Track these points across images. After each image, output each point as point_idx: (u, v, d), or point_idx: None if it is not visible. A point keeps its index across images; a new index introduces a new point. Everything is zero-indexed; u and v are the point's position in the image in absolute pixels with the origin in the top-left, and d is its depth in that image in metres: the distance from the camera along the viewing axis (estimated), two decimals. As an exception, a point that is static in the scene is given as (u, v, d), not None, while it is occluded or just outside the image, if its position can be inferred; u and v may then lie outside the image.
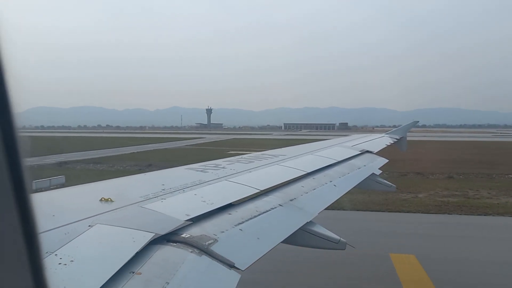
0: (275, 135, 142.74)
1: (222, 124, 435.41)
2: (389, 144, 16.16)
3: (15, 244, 1.09)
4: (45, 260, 2.05)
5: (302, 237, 4.21)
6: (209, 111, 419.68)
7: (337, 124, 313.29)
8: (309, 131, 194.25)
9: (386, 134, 19.38)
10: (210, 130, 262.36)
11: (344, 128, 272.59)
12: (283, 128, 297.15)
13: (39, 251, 1.16)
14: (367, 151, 11.05)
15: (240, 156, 7.55)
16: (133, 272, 2.29)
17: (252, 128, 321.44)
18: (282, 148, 9.95)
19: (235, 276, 2.67)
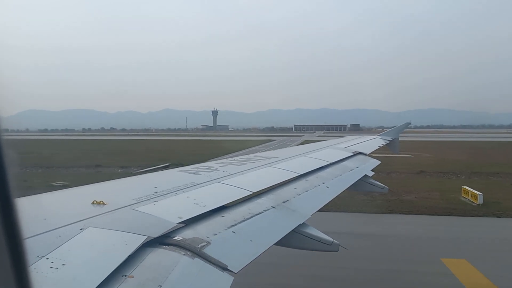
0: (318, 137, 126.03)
1: (228, 126, 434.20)
2: (382, 145, 16.26)
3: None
4: (32, 266, 2.03)
5: (295, 239, 4.22)
6: (215, 113, 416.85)
7: (349, 126, 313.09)
8: (324, 133, 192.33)
9: (379, 135, 19.49)
10: (216, 132, 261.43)
11: (356, 129, 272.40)
12: (293, 129, 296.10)
13: (24, 257, 1.14)
14: (360, 153, 11.11)
15: (233, 158, 7.55)
16: (125, 276, 2.28)
17: (262, 130, 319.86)
18: (275, 150, 9.97)
19: (228, 279, 2.67)
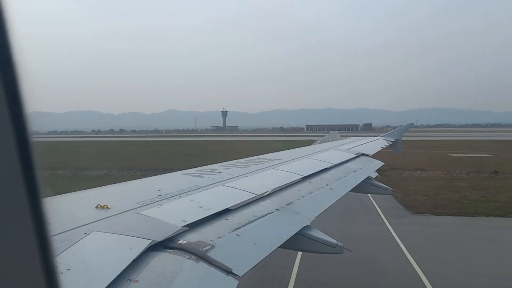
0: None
1: (238, 126, 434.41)
2: (385, 146, 16.22)
3: (29, 248, 1.11)
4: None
5: (299, 241, 4.21)
6: (224, 114, 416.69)
7: (361, 125, 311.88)
8: (339, 132, 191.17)
9: (382, 136, 19.44)
10: (229, 133, 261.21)
11: (368, 129, 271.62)
12: (305, 129, 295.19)
13: (52, 254, 1.18)
14: (363, 154, 11.08)
15: (236, 160, 7.54)
16: (130, 280, 2.27)
17: (273, 130, 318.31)
18: (278, 152, 9.95)
19: (232, 282, 2.66)
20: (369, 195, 28.61)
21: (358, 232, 18.82)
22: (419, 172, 41.51)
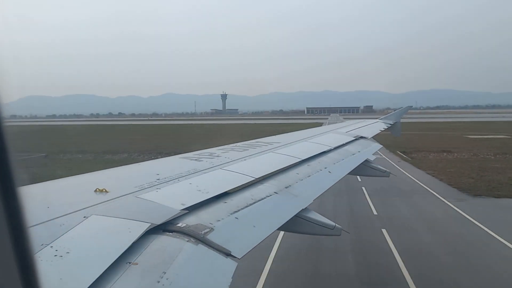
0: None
1: (237, 109, 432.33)
2: (383, 129, 16.22)
3: (1, 240, 1.06)
4: (36, 254, 2.03)
5: (297, 224, 4.24)
6: (224, 97, 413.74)
7: (362, 107, 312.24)
8: (340, 115, 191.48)
9: (380, 119, 19.41)
10: (231, 116, 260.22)
11: (369, 111, 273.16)
12: (305, 112, 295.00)
13: (28, 246, 1.13)
14: (361, 137, 11.08)
15: (234, 144, 7.54)
16: (129, 263, 2.29)
17: (272, 113, 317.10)
18: (277, 135, 9.94)
19: (231, 265, 2.68)
20: (410, 176, 28.48)
21: (434, 216, 18.57)
22: (445, 153, 41.69)
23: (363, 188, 24.43)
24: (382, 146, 11.14)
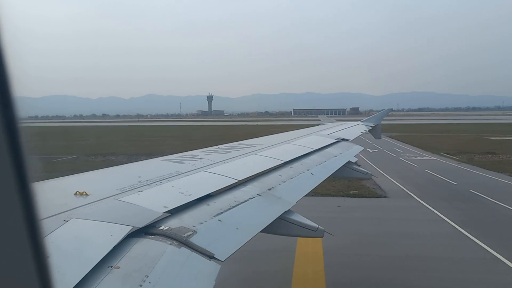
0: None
1: (223, 111, 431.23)
2: (364, 132, 16.46)
3: (18, 235, 1.09)
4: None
5: (281, 226, 4.26)
6: (210, 98, 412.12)
7: (348, 109, 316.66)
8: (329, 116, 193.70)
9: (361, 122, 19.67)
10: (218, 118, 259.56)
11: (356, 113, 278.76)
12: (292, 114, 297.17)
13: (42, 240, 1.16)
14: (343, 139, 11.22)
15: (217, 146, 7.52)
16: (111, 266, 2.26)
17: (258, 115, 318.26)
18: (259, 138, 9.97)
19: (215, 267, 2.68)
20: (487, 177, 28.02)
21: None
22: (489, 155, 40.69)
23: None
24: (363, 148, 11.29)
